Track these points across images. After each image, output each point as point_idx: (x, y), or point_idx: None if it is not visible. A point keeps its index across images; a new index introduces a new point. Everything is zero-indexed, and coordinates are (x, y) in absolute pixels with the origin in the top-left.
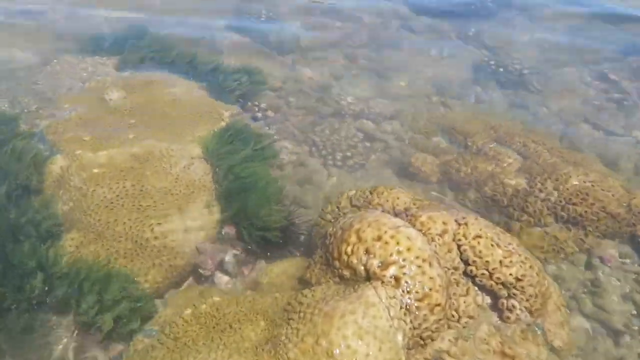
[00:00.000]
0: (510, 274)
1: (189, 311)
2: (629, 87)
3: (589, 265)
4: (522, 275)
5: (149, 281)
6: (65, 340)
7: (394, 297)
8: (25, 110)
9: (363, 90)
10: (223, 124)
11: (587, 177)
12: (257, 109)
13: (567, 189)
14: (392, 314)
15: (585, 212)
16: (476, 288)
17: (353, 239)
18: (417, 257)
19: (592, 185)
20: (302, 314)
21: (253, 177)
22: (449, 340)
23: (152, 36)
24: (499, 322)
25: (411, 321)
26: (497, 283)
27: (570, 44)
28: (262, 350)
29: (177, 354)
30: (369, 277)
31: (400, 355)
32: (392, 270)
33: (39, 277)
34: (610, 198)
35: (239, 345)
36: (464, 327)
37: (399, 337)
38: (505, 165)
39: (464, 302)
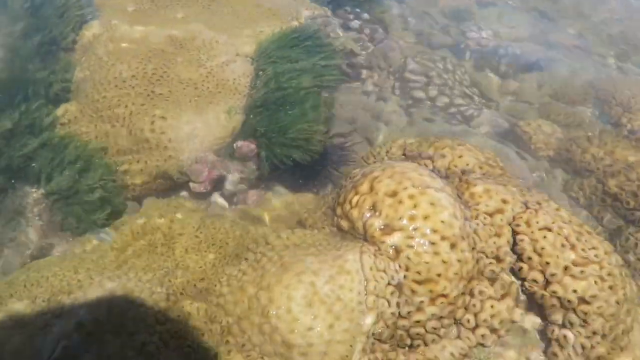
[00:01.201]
0: (575, 290)
1: (141, 221)
2: None
3: None
4: (591, 296)
5: (128, 180)
6: (30, 215)
7: (383, 270)
8: None
9: (512, 27)
10: (295, 24)
11: None
12: (352, 17)
13: None
14: (370, 288)
15: None
16: (523, 297)
17: (364, 187)
18: (435, 231)
19: None
20: (259, 256)
21: (298, 91)
22: (451, 353)
23: None
24: (540, 357)
25: (399, 305)
26: (551, 296)
27: None
28: (193, 285)
29: (100, 266)
30: (366, 236)
31: (355, 340)
32: (395, 238)
33: (30, 141)
34: None
35: (164, 274)
36: (478, 345)
37: (368, 320)
38: None
39: (492, 307)
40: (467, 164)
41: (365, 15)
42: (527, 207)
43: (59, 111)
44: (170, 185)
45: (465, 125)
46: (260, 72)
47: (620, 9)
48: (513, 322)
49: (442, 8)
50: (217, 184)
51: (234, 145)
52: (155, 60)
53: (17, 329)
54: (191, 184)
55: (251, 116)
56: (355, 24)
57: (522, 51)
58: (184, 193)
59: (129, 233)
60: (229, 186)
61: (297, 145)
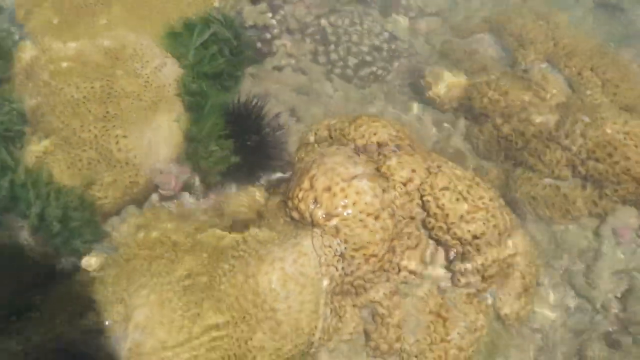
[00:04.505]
0: (469, 231)
1: (141, 235)
2: None
3: (596, 233)
4: (480, 233)
5: (108, 198)
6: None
7: (329, 246)
8: None
9: None
10: (216, 4)
11: (624, 125)
12: None
13: (595, 137)
14: (322, 260)
15: (607, 171)
16: (432, 243)
17: (306, 185)
18: (362, 212)
19: (625, 138)
20: (241, 253)
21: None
22: (384, 293)
23: None
24: (448, 284)
25: (343, 268)
26: (452, 238)
27: None
28: (199, 279)
29: (125, 276)
30: (313, 223)
31: (319, 299)
32: (334, 222)
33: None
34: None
35: (179, 273)
36: (402, 283)
37: (324, 283)
38: (547, 97)
39: (408, 256)
40: (382, 139)
41: None
42: (430, 172)
43: (32, 147)
44: (143, 194)
45: (379, 86)
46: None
47: None
48: (424, 262)
49: None
50: (185, 187)
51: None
52: (99, 77)
53: None
54: (161, 191)
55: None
56: None
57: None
58: (153, 196)
59: (134, 245)
60: (195, 188)
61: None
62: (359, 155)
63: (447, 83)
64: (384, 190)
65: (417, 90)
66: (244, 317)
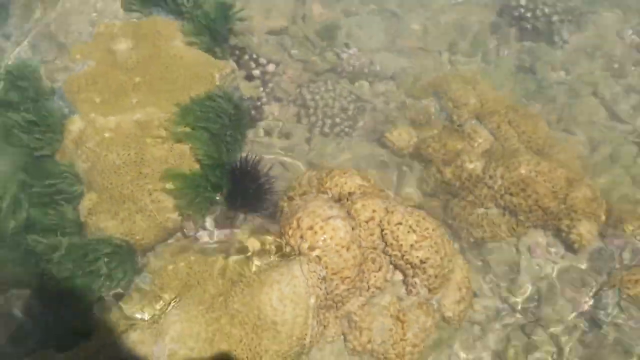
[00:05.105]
0: (417, 257)
1: (171, 267)
2: None
3: (516, 252)
4: (426, 258)
5: (144, 239)
6: None
7: (314, 271)
8: (44, 59)
9: (371, 37)
10: (217, 83)
11: (535, 166)
12: (253, 65)
13: (511, 177)
14: (310, 282)
15: (520, 203)
16: (391, 266)
17: (294, 224)
18: (337, 244)
19: (536, 176)
20: (248, 279)
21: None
22: (358, 305)
23: None
24: (404, 295)
25: (325, 288)
26: (405, 263)
27: None
28: (217, 300)
29: (160, 300)
30: (301, 253)
31: (308, 313)
32: (316, 252)
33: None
34: (547, 191)
35: (202, 296)
36: (371, 296)
37: (312, 300)
38: (475, 145)
39: (374, 276)
40: (351, 188)
41: (263, 60)
42: (388, 211)
43: (84, 203)
44: (170, 235)
45: (349, 139)
46: None
47: None
48: (387, 280)
49: (317, 27)
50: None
51: None
52: (134, 145)
53: None
54: (185, 231)
55: None
56: (257, 73)
57: (381, 66)
58: (179, 234)
59: (166, 275)
60: (208, 227)
61: None
62: (334, 202)
63: (402, 135)
64: (353, 228)
65: (380, 140)
66: (253, 328)
